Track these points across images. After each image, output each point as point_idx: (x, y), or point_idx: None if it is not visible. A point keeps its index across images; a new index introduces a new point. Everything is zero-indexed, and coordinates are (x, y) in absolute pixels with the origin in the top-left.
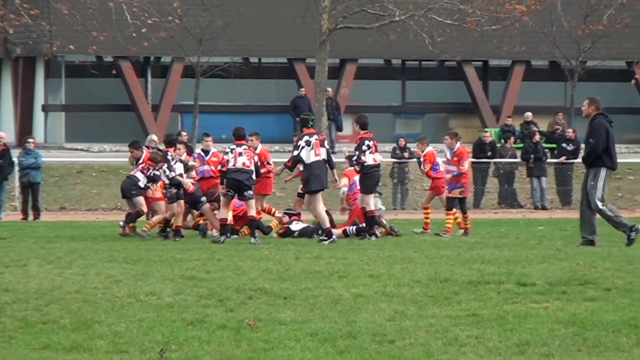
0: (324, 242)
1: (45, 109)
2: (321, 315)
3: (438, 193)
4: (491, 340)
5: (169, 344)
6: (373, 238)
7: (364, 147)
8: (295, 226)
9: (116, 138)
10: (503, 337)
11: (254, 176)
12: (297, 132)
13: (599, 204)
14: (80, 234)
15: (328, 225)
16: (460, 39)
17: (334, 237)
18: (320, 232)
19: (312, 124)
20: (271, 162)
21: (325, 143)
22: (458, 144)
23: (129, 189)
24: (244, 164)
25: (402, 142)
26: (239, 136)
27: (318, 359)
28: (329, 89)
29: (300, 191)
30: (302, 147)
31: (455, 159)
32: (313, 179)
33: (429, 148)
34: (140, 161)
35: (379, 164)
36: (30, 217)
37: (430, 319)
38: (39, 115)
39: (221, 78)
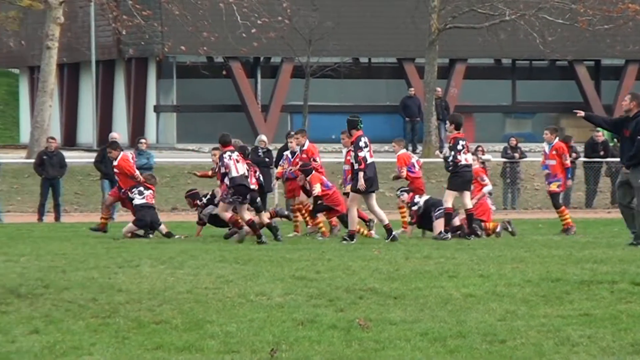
0: (344, 241)
1: (157, 109)
2: (431, 315)
3: (419, 194)
4: (604, 339)
5: (279, 344)
6: (449, 235)
7: (459, 147)
8: (420, 198)
9: None
10: (617, 337)
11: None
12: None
13: None
14: (191, 234)
15: (355, 228)
16: (572, 39)
17: (355, 240)
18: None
19: (361, 125)
20: (318, 159)
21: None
22: (557, 139)
23: (157, 222)
24: (245, 169)
25: (513, 141)
26: (225, 142)
27: (428, 358)
28: (439, 89)
29: (345, 190)
30: (364, 147)
31: (554, 152)
32: (367, 180)
33: (403, 150)
34: (116, 163)
35: (470, 164)
36: None
37: (541, 319)
38: (151, 116)
39: (331, 78)
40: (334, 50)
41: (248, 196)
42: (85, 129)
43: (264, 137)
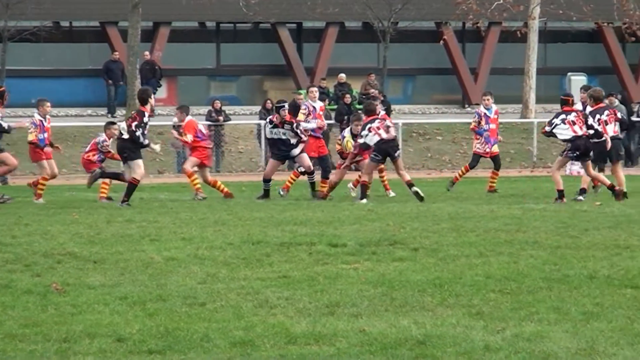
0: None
1: None
2: (131, 279)
3: (202, 158)
4: (301, 301)
5: None
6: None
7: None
8: None
9: None
10: (313, 298)
11: None
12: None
13: None
14: None
15: None
16: (275, 1)
17: None
18: None
19: None
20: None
21: None
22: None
23: None
24: None
25: (217, 104)
26: None
27: (127, 322)
28: (147, 53)
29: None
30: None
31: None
32: None
33: (189, 117)
34: None
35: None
36: None
37: (241, 281)
38: None
39: (30, 42)
40: (32, 14)
41: None
42: None
43: None
